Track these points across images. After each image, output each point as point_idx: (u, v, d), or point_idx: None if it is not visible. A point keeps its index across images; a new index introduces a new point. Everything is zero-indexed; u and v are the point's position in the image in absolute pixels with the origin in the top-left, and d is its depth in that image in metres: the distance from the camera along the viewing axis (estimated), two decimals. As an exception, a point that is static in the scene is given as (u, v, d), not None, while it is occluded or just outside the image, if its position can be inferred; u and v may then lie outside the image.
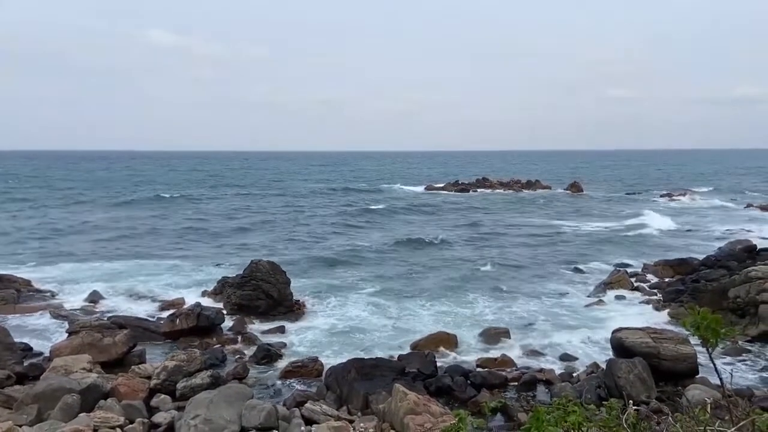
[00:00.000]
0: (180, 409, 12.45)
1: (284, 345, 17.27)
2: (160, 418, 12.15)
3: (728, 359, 15.86)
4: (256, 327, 19.01)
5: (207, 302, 20.59)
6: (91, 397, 12.32)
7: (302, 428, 11.56)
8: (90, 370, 13.65)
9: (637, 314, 20.34)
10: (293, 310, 20.51)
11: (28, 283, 22.81)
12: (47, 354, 15.64)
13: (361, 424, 11.90)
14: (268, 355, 16.09)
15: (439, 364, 15.06)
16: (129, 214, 48.17)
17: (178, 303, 20.71)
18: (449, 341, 17.05)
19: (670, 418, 4.39)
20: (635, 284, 23.81)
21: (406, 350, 16.45)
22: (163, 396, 13.35)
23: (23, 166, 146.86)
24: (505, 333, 17.76)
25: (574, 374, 15.10)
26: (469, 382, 14.25)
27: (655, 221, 42.36)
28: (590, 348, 17.08)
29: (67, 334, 16.92)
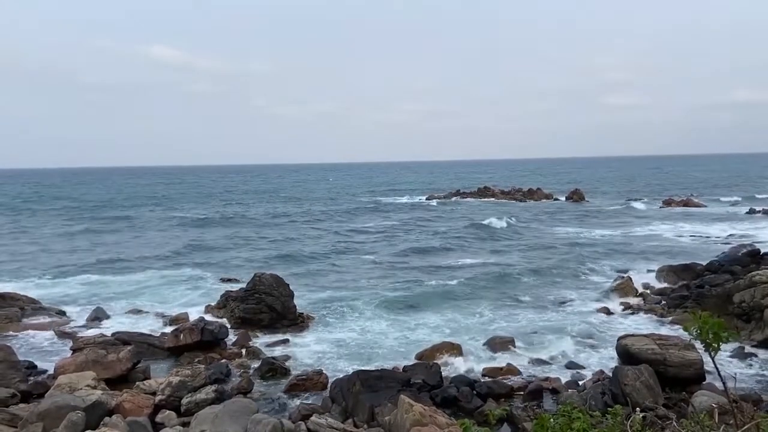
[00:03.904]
0: (185, 424, 12.41)
1: (288, 358, 17.23)
2: (166, 434, 12.11)
3: (734, 364, 15.79)
4: (260, 340, 18.97)
5: (211, 317, 20.59)
6: (95, 414, 12.28)
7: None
8: (94, 387, 13.63)
9: (642, 320, 20.31)
10: (297, 323, 20.47)
11: (32, 300, 22.82)
12: (51, 372, 15.61)
13: (367, 437, 11.84)
14: (272, 369, 16.04)
15: (444, 375, 15.00)
16: (173, 233, 47.46)
17: (181, 318, 20.69)
18: (454, 351, 16.98)
19: (674, 423, 4.38)
20: (639, 290, 23.74)
21: (411, 361, 16.39)
22: (168, 412, 13.31)
23: (29, 183, 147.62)
24: (511, 341, 17.69)
25: (581, 382, 15.02)
26: (474, 392, 14.18)
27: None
28: (596, 355, 17.00)
29: (71, 352, 16.92)
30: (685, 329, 3.34)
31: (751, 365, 15.83)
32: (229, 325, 19.59)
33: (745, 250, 27.12)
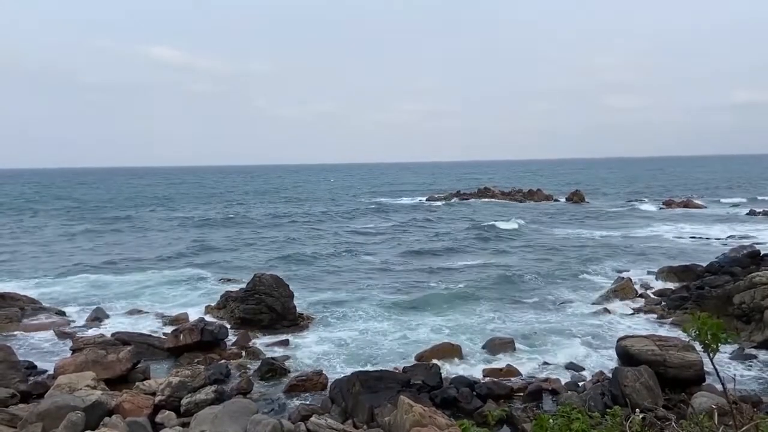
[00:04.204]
0: (185, 425, 12.41)
1: (288, 358, 17.22)
2: (165, 434, 12.11)
3: (734, 365, 15.78)
4: (260, 341, 18.96)
5: (210, 317, 20.59)
6: (95, 415, 12.28)
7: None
8: (94, 387, 13.63)
9: (642, 322, 20.28)
10: (297, 323, 20.47)
11: (32, 300, 22.83)
12: (51, 372, 15.61)
13: (367, 437, 11.83)
14: (272, 369, 16.04)
15: (444, 375, 14.99)
16: (177, 234, 47.67)
17: (181, 318, 20.69)
18: (454, 352, 16.98)
19: (674, 424, 4.37)
20: (639, 292, 23.73)
21: (411, 361, 16.39)
22: (167, 412, 13.31)
23: (30, 183, 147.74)
24: (510, 343, 17.68)
25: (581, 383, 15.01)
26: (474, 393, 14.17)
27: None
28: (596, 356, 16.98)
29: (71, 352, 16.92)
30: (684, 330, 3.34)
31: (750, 366, 15.82)
32: (228, 326, 19.58)
33: (745, 252, 27.09)
